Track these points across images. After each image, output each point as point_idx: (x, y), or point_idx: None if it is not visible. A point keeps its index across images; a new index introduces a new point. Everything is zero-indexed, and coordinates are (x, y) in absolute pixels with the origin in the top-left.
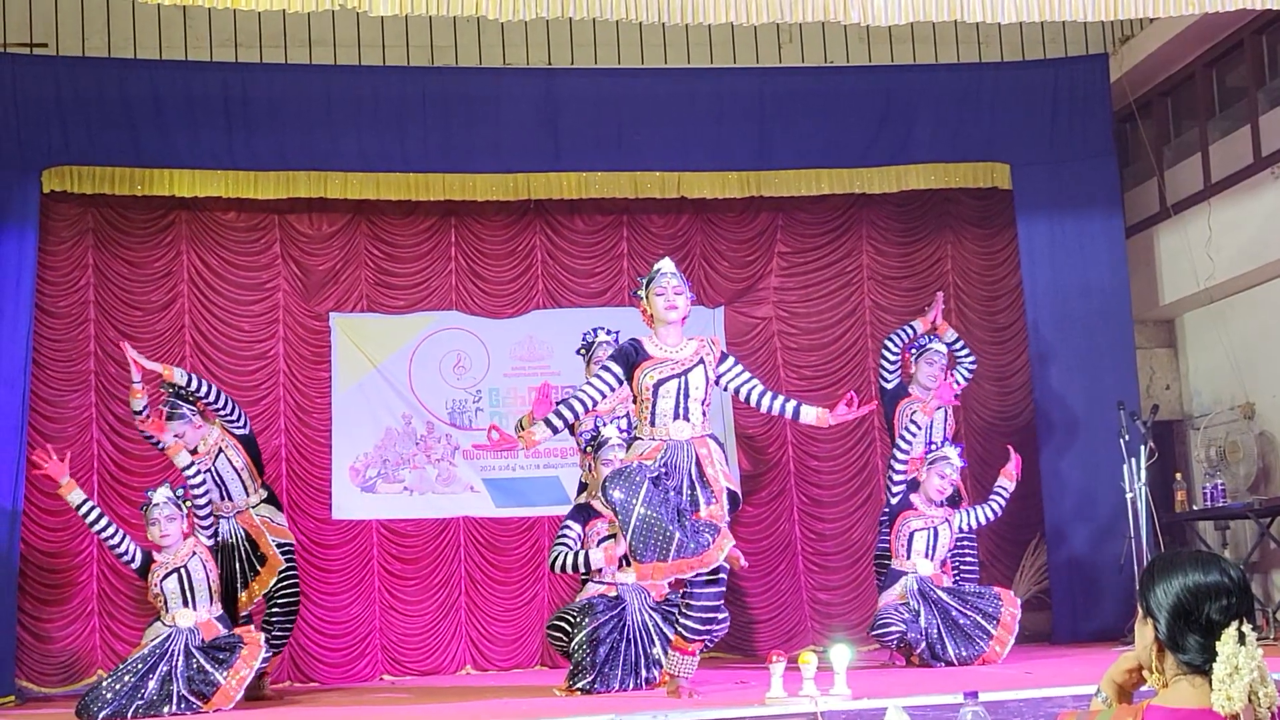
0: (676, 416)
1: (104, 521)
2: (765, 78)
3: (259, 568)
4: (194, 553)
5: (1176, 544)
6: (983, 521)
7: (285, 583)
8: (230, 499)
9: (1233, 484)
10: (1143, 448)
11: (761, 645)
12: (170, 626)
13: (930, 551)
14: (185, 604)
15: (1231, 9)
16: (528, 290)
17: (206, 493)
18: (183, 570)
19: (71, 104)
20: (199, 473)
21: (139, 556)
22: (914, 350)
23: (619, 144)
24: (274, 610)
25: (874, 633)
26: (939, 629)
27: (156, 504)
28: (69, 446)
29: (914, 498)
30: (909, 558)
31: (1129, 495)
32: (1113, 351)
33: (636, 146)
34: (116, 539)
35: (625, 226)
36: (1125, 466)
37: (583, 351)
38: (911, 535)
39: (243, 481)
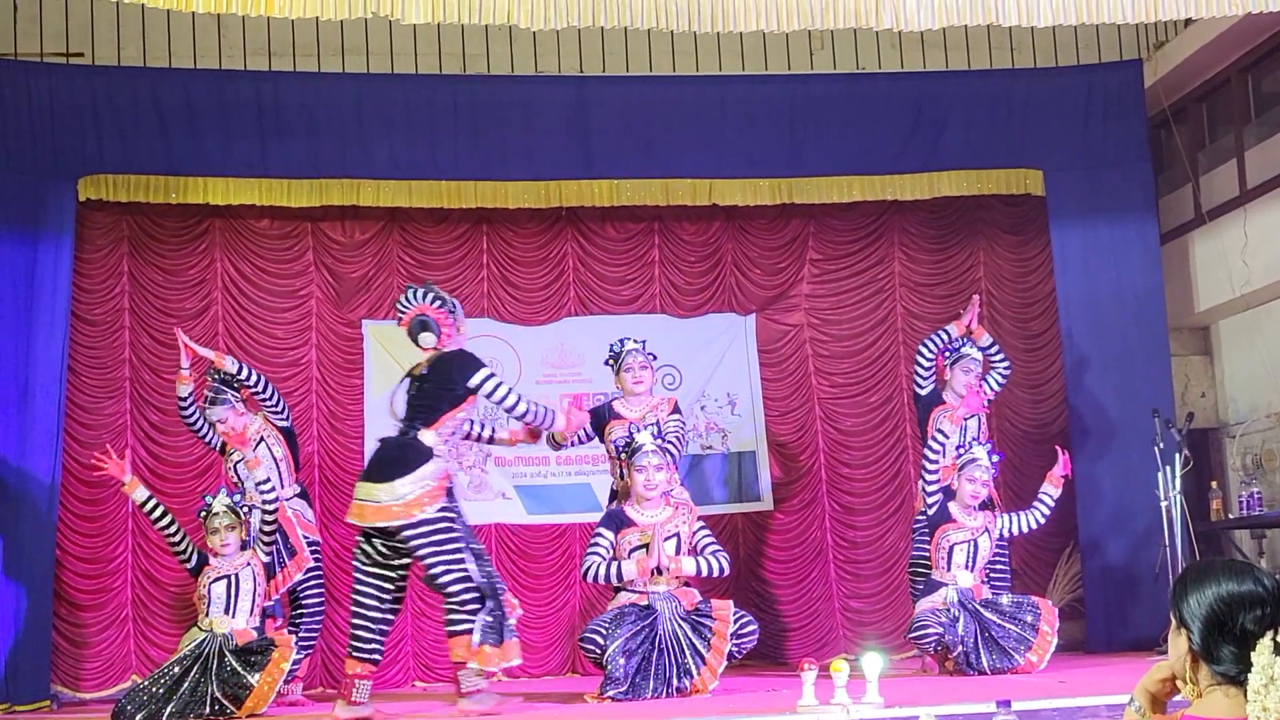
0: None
1: (168, 519)
2: (797, 84)
3: (287, 560)
4: (249, 563)
5: (1212, 553)
6: (1024, 529)
7: (311, 582)
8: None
9: (1269, 492)
10: (1178, 455)
11: (793, 653)
12: (206, 631)
13: (971, 563)
14: (227, 610)
15: (1275, 9)
16: (559, 298)
17: (275, 510)
18: (233, 578)
19: (107, 113)
20: (273, 488)
21: (195, 557)
22: (948, 355)
23: (650, 151)
24: (301, 611)
25: (911, 635)
26: (976, 638)
27: (216, 513)
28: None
29: (952, 507)
30: (949, 570)
31: (1164, 503)
32: (1147, 359)
33: (668, 153)
34: (178, 537)
35: (657, 234)
36: (1160, 474)
37: (611, 362)
38: (951, 549)
39: (280, 473)
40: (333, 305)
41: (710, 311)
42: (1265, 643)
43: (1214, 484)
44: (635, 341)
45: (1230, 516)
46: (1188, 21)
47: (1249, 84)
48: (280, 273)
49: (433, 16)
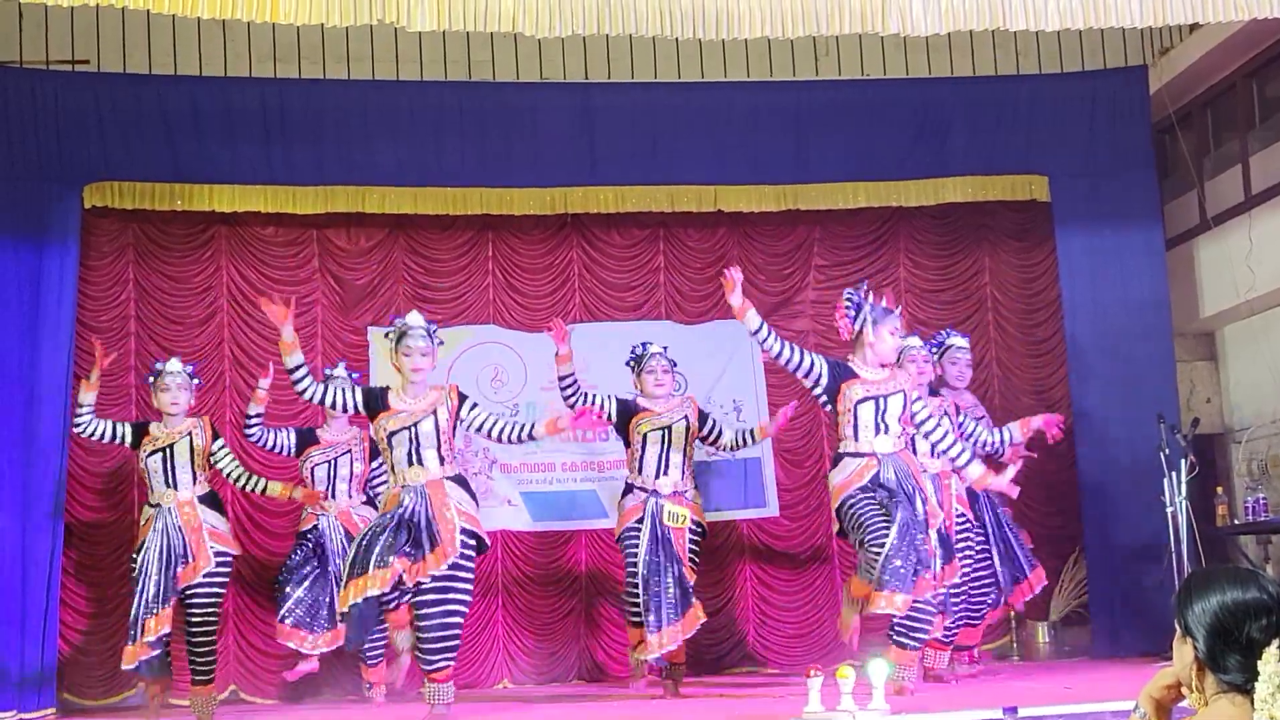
0: (878, 431)
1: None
2: (802, 90)
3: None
4: (189, 434)
5: (1218, 559)
6: (981, 441)
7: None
8: (176, 487)
9: (1275, 498)
10: (1183, 461)
11: (799, 660)
12: (154, 507)
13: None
14: (168, 485)
15: None
16: (564, 304)
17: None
18: (168, 450)
19: (112, 120)
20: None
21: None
22: (934, 351)
23: (655, 157)
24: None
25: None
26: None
27: (170, 372)
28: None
29: (944, 392)
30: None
31: (1169, 509)
32: (1152, 365)
33: (673, 160)
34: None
35: (662, 240)
36: (1166, 480)
37: (632, 364)
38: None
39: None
40: (338, 312)
41: (715, 318)
42: (1271, 651)
43: (1219, 490)
44: (658, 346)
45: (1236, 522)
46: (1193, 27)
47: (1254, 89)
48: (286, 280)
49: (438, 23)
